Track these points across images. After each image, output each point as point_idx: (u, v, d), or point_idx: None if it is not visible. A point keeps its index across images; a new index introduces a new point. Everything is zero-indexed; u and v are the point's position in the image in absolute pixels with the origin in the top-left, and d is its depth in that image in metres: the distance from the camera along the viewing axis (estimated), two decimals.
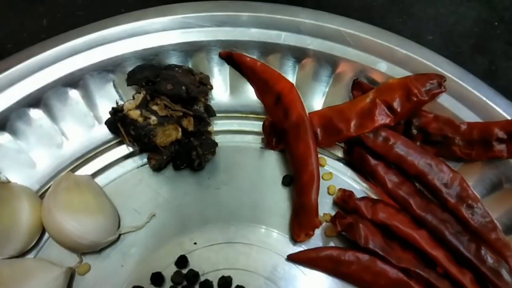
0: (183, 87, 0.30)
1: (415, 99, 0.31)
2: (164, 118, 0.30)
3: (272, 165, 0.34)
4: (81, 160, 0.34)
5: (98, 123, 0.34)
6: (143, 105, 0.30)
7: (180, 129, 0.31)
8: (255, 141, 0.35)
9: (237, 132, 0.35)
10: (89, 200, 0.29)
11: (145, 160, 0.34)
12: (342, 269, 0.29)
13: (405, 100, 0.31)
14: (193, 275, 0.29)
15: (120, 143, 0.34)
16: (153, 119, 0.29)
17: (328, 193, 0.33)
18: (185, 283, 0.29)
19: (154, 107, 0.30)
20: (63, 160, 0.33)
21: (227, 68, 0.36)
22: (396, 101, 0.31)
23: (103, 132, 0.34)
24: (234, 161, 0.34)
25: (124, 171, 0.34)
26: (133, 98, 0.31)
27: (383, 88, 0.32)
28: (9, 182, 0.30)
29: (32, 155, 0.32)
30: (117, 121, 0.30)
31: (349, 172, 0.34)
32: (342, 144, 0.34)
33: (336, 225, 0.30)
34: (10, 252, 0.28)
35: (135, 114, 0.29)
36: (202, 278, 0.30)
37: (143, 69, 0.32)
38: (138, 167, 0.34)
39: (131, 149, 0.34)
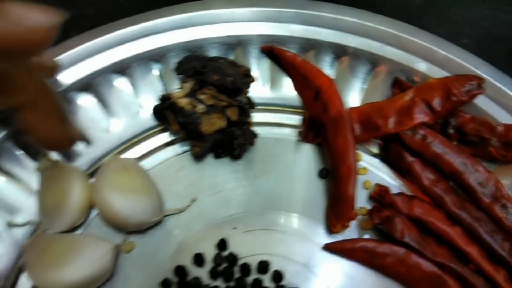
0: (229, 78, 0.31)
1: (454, 99, 0.32)
2: (211, 107, 0.31)
3: (308, 158, 0.35)
4: (125, 146, 0.35)
5: (142, 111, 0.35)
6: (191, 94, 0.31)
7: (224, 119, 0.32)
8: (291, 134, 0.36)
9: (273, 125, 0.36)
10: (137, 182, 0.31)
11: (185, 148, 0.35)
12: (376, 261, 0.30)
13: (445, 100, 0.32)
14: (233, 258, 0.30)
15: (161, 130, 0.35)
16: (201, 107, 0.31)
17: (363, 187, 0.34)
18: (225, 264, 0.30)
19: (201, 96, 0.31)
20: (109, 145, 0.34)
21: (265, 62, 0.37)
22: (435, 100, 0.32)
23: (146, 119, 0.35)
24: (270, 152, 0.35)
25: (165, 157, 0.35)
26: (181, 87, 0.32)
27: (423, 87, 0.33)
28: (58, 161, 0.32)
29: None
30: (166, 108, 0.31)
31: (384, 168, 0.35)
32: (378, 141, 0.35)
33: (374, 218, 0.30)
34: (62, 227, 0.30)
35: (183, 102, 0.31)
36: (241, 261, 0.31)
37: (191, 60, 0.33)
38: (178, 155, 0.35)
39: (172, 137, 0.35)
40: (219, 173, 0.34)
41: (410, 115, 0.32)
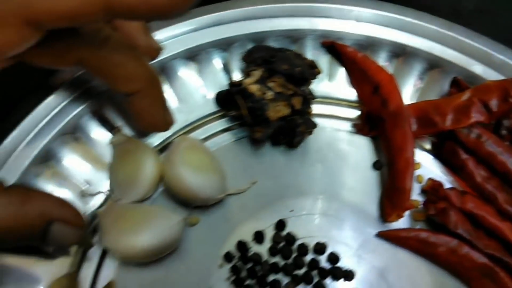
0: (298, 68, 0.33)
1: (511, 100, 0.33)
2: (278, 95, 0.33)
3: (362, 150, 0.37)
4: (189, 128, 0.37)
5: (205, 96, 0.37)
6: (260, 81, 0.33)
7: (289, 107, 0.33)
8: (346, 127, 0.38)
9: (329, 117, 0.38)
10: (204, 161, 0.33)
11: (243, 134, 0.37)
12: (429, 250, 0.32)
13: (502, 101, 0.33)
14: (291, 237, 0.32)
15: (220, 117, 0.37)
16: (269, 94, 0.32)
17: (416, 181, 0.35)
18: (284, 243, 0.32)
19: (270, 84, 0.33)
20: (175, 126, 0.36)
21: (324, 57, 0.39)
22: (492, 100, 0.33)
23: (208, 105, 0.37)
24: (326, 143, 0.37)
25: (224, 142, 0.36)
26: (248, 75, 0.34)
27: (480, 88, 0.34)
28: (131, 137, 0.34)
29: None
30: (236, 93, 0.33)
31: (436, 164, 0.36)
32: (431, 138, 0.37)
33: (429, 209, 0.32)
34: (134, 198, 0.32)
35: (254, 88, 0.32)
36: (299, 242, 0.32)
37: (260, 50, 0.35)
38: (236, 140, 0.36)
39: (229, 123, 0.37)
40: (276, 159, 0.36)
41: (467, 114, 0.34)
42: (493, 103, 0.33)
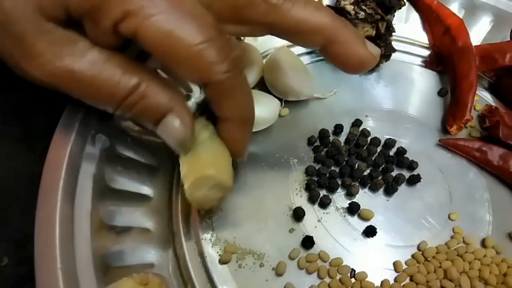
0: None
1: None
2: (369, 16, 0.40)
3: (430, 81, 0.43)
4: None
5: None
6: (355, 3, 0.40)
7: (374, 29, 0.40)
8: (417, 61, 0.44)
9: (404, 52, 0.45)
10: (300, 64, 0.40)
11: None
12: (482, 157, 0.37)
13: None
14: (367, 131, 0.38)
15: None
16: (362, 14, 0.39)
17: (474, 109, 0.41)
18: (358, 135, 0.38)
19: (363, 6, 0.40)
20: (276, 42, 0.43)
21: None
22: None
23: None
24: (399, 72, 0.43)
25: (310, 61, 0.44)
26: None
27: None
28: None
29: None
30: (336, 10, 0.40)
31: (493, 99, 0.42)
32: (490, 79, 0.43)
33: (486, 121, 0.38)
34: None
35: (350, 8, 0.40)
36: (372, 135, 0.39)
37: None
38: (318, 61, 0.43)
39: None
40: (356, 78, 0.43)
41: None
42: None
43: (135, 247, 0.30)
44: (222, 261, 0.32)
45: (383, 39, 0.41)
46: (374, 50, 0.29)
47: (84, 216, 0.29)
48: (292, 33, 0.28)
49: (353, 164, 0.37)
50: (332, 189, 0.35)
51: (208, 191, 0.28)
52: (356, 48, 0.28)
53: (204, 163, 0.28)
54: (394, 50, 0.42)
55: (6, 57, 0.25)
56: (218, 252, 0.32)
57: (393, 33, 0.42)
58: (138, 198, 0.32)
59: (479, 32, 0.45)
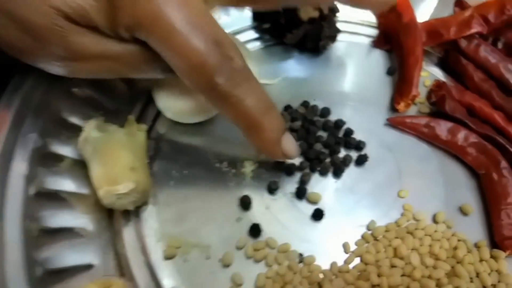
0: None
1: (508, 13, 0.39)
2: None
3: (377, 60, 0.43)
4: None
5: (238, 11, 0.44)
6: None
7: (317, 11, 0.40)
8: (365, 41, 0.44)
9: (351, 33, 0.44)
10: (245, 52, 0.39)
11: (271, 42, 0.43)
12: (431, 133, 0.37)
13: (499, 14, 0.39)
14: (327, 110, 0.38)
15: (250, 28, 0.44)
16: None
17: (423, 85, 0.41)
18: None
19: None
20: None
21: None
22: (490, 14, 0.39)
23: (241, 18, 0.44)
24: (346, 53, 0.43)
25: (254, 47, 0.43)
26: None
27: (481, 5, 0.40)
28: None
29: None
30: None
31: (442, 74, 0.42)
32: (438, 55, 0.43)
33: (431, 96, 0.38)
34: None
35: None
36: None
37: None
38: (266, 47, 0.43)
39: (258, 35, 0.43)
40: (303, 62, 0.42)
41: (468, 25, 0.39)
42: (491, 16, 0.39)
43: (72, 249, 0.29)
44: (166, 257, 0.31)
45: (327, 20, 0.41)
46: None
47: (16, 218, 0.28)
48: None
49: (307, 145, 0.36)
50: (289, 173, 0.35)
51: (121, 200, 0.30)
52: None
53: (110, 174, 0.29)
54: (339, 31, 0.41)
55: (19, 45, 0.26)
56: (162, 248, 0.31)
57: (338, 14, 0.42)
58: (74, 197, 0.31)
59: (426, 8, 0.45)
